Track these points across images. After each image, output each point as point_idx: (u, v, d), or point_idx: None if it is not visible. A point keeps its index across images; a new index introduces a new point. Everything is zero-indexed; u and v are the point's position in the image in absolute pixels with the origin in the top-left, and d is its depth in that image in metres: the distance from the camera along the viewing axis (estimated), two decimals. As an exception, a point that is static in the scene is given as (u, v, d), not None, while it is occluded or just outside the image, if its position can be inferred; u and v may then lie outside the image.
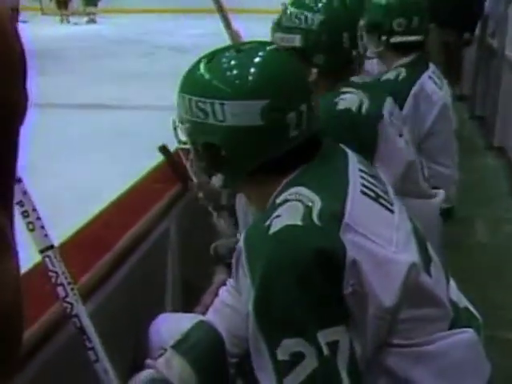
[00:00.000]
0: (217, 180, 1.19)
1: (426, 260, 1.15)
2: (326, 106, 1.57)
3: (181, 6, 15.60)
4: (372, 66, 2.79)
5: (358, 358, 1.02)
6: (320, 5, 1.73)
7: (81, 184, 4.39)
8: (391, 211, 1.14)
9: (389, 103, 1.75)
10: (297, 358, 0.99)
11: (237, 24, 2.76)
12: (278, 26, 1.80)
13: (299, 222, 1.02)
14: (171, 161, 1.84)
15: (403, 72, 2.38)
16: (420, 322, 1.09)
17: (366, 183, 1.15)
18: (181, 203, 1.87)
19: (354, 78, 1.74)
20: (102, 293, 1.45)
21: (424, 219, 1.38)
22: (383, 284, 1.03)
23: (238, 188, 1.27)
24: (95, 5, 16.35)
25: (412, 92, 2.33)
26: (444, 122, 2.40)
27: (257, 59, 1.16)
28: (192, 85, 1.17)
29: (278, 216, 1.05)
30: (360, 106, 1.63)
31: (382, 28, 2.42)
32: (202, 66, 1.17)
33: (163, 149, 1.84)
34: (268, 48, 1.20)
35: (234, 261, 1.09)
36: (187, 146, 1.22)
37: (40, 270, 1.26)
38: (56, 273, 1.25)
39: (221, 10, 2.99)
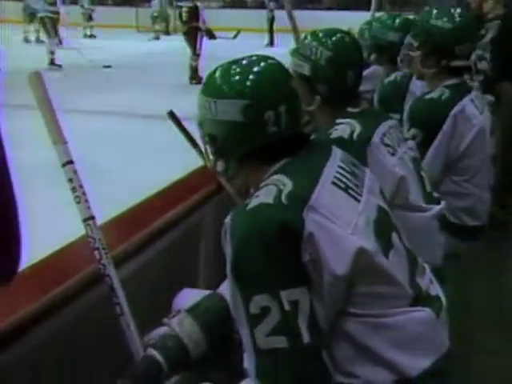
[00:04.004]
0: (219, 165, 1.47)
1: (386, 246, 1.35)
2: (322, 137, 1.82)
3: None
4: (415, 87, 2.96)
5: (318, 318, 1.24)
6: (331, 42, 1.93)
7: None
8: (357, 200, 1.36)
9: (384, 127, 1.94)
10: (264, 311, 1.23)
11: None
12: (295, 51, 2.01)
13: (270, 201, 1.27)
14: (180, 125, 1.98)
15: (447, 92, 2.50)
16: (376, 297, 1.30)
17: (339, 176, 1.38)
18: (216, 197, 2.12)
19: (351, 109, 1.94)
20: (135, 263, 1.73)
21: (414, 231, 1.59)
22: (336, 255, 1.25)
23: (236, 174, 1.51)
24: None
25: (452, 112, 2.45)
26: (479, 145, 2.52)
27: (246, 67, 1.42)
28: (202, 85, 1.46)
29: (256, 196, 1.31)
30: (352, 133, 1.85)
31: (445, 52, 2.52)
32: (213, 72, 1.45)
33: (171, 115, 1.98)
34: (263, 59, 1.45)
35: (222, 235, 1.33)
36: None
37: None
38: (94, 239, 1.52)
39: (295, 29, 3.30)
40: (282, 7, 4.04)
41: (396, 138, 1.98)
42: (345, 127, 1.88)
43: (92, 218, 1.53)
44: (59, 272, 1.55)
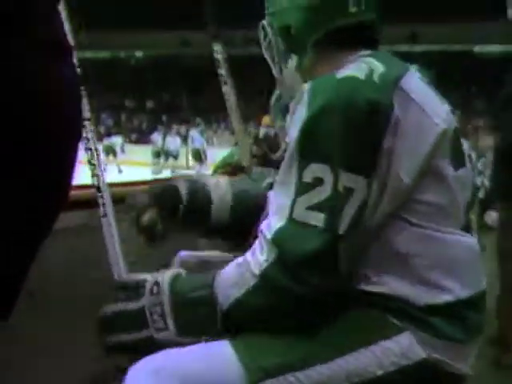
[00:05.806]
0: (292, 62, 1.36)
1: (459, 162, 1.27)
2: None
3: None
4: None
5: (364, 216, 1.16)
6: None
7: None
8: (443, 103, 1.29)
9: None
10: (317, 182, 1.15)
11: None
12: None
13: (362, 77, 1.18)
14: None
15: None
16: (435, 208, 1.20)
17: (423, 77, 1.30)
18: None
19: None
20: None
21: None
22: (414, 145, 1.18)
23: (311, 69, 1.36)
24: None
25: None
26: None
27: None
28: None
29: (344, 69, 1.21)
30: None
31: None
32: None
33: None
34: None
35: (296, 99, 1.23)
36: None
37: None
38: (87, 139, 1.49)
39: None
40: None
41: None
42: None
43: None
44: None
